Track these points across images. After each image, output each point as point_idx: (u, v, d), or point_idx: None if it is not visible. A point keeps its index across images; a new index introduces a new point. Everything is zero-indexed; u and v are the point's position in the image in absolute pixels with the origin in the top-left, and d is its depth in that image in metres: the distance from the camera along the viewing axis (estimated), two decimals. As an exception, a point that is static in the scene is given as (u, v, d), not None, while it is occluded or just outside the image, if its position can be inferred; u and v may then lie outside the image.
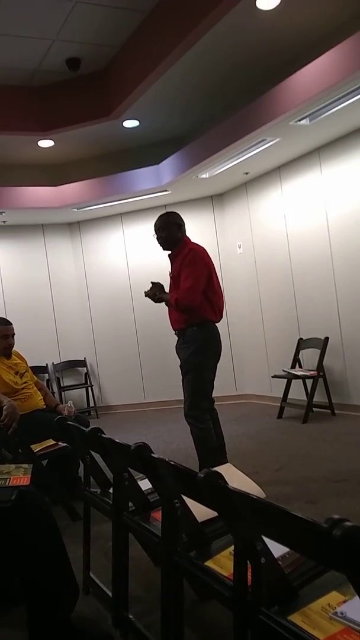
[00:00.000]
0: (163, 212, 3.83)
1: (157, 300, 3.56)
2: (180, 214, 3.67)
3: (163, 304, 3.61)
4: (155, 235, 3.62)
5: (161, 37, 4.21)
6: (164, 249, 3.64)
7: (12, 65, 4.86)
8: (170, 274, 3.61)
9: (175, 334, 3.63)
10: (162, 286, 3.60)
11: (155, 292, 3.55)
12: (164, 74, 4.51)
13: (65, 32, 4.38)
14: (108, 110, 5.25)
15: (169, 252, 3.63)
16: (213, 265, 3.56)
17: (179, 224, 3.59)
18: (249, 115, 4.54)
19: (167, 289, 3.64)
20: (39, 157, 6.28)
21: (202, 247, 3.58)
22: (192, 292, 3.38)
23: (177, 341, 3.60)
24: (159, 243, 3.62)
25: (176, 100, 5.28)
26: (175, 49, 4.10)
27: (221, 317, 3.58)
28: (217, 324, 3.55)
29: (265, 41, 4.35)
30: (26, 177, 6.37)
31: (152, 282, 3.62)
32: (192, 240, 3.63)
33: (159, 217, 3.66)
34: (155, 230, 3.62)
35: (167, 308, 3.67)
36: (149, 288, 3.59)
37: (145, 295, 3.57)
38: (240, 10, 3.68)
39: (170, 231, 3.56)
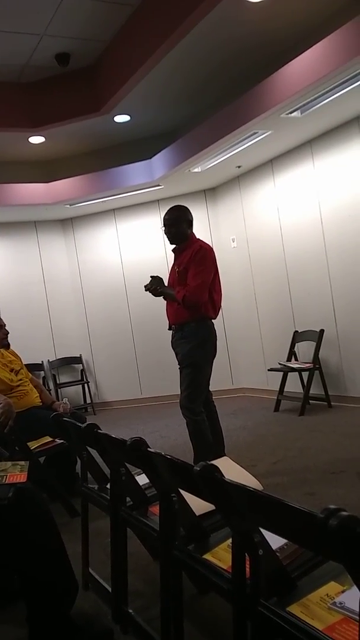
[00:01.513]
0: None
1: (157, 294, 3.55)
2: (189, 209, 3.63)
3: (161, 298, 3.60)
4: (165, 229, 3.59)
5: (150, 31, 4.19)
6: (171, 243, 3.63)
7: (1, 61, 4.82)
8: (175, 268, 3.60)
9: (171, 328, 3.62)
10: (161, 280, 3.59)
11: (155, 286, 3.54)
12: (154, 67, 4.49)
13: (54, 27, 4.34)
14: (99, 105, 5.22)
15: (174, 245, 3.63)
16: (217, 264, 3.57)
17: (190, 221, 3.59)
18: (240, 108, 4.53)
19: (165, 283, 3.63)
20: (30, 153, 6.24)
21: (210, 246, 3.59)
22: (200, 289, 3.40)
23: (174, 336, 3.60)
24: (167, 237, 3.61)
25: (167, 94, 5.25)
26: (165, 43, 4.08)
27: (218, 314, 3.60)
28: (213, 321, 3.56)
29: (255, 33, 4.33)
30: (17, 173, 6.33)
31: (151, 276, 3.59)
32: (197, 237, 3.64)
33: (169, 211, 3.61)
34: (164, 224, 3.59)
35: (163, 302, 3.66)
36: (148, 282, 3.57)
37: (146, 289, 3.55)
38: (229, 2, 3.66)
39: (180, 227, 3.55)
